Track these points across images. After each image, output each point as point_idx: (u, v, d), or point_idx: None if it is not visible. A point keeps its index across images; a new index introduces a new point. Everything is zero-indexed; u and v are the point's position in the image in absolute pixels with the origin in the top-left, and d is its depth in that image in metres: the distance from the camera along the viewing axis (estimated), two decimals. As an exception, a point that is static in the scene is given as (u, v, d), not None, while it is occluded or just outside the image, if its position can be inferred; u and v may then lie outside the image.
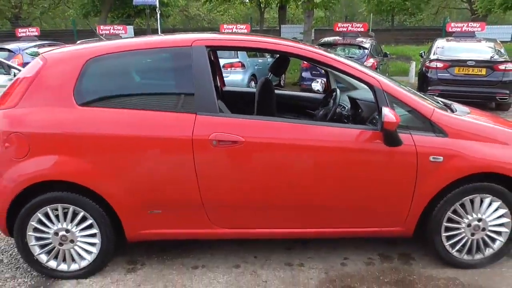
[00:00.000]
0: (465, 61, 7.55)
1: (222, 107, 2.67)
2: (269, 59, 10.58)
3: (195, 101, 2.48)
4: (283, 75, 11.28)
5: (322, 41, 10.27)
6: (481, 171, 2.44)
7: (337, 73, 2.83)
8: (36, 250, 2.61)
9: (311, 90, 4.10)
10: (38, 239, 2.59)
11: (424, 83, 8.02)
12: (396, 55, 17.36)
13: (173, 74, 2.66)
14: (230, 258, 2.85)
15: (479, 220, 2.56)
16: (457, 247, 2.62)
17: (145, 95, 2.67)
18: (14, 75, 7.03)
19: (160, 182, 2.51)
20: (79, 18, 24.29)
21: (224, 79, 4.00)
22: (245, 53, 8.77)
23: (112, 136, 2.46)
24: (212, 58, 3.37)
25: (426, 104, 2.54)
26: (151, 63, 2.72)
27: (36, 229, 2.56)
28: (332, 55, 2.66)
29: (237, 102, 3.46)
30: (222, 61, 6.10)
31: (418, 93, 2.87)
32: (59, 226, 2.57)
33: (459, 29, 10.42)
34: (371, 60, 8.65)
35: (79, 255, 2.64)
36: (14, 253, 3.01)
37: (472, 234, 2.59)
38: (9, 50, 10.26)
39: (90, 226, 2.58)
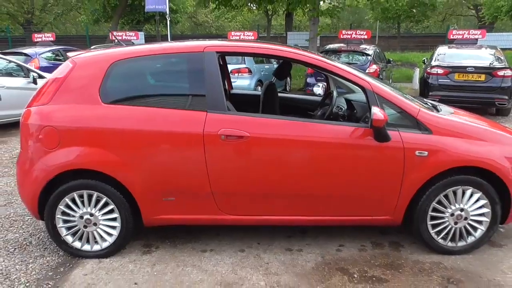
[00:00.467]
0: (465, 67, 7.80)
1: (229, 107, 2.98)
2: (275, 65, 10.91)
3: (206, 100, 2.79)
4: (289, 81, 11.60)
5: (326, 48, 10.58)
6: (461, 165, 2.72)
7: (333, 76, 3.13)
8: (63, 232, 2.92)
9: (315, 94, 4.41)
10: (65, 221, 2.90)
11: (425, 89, 8.27)
12: (401, 61, 17.62)
13: (187, 76, 2.97)
14: (235, 244, 3.14)
15: (462, 210, 2.83)
16: (442, 235, 2.89)
17: (162, 94, 3.00)
18: (33, 78, 7.45)
19: (174, 172, 2.81)
20: (90, 24, 24.85)
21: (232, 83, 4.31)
22: (252, 59, 9.11)
23: (132, 131, 2.77)
24: (221, 63, 3.69)
25: (413, 104, 2.83)
26: (168, 67, 3.05)
27: (63, 213, 2.88)
28: (329, 61, 2.97)
29: (243, 103, 3.76)
30: (229, 67, 6.40)
31: (406, 95, 3.15)
32: (84, 210, 2.88)
33: (460, 36, 10.67)
34: (374, 66, 8.92)
35: (101, 236, 2.95)
36: (41, 236, 3.32)
37: (455, 223, 2.86)
38: (26, 54, 10.72)
39: (111, 211, 2.89)
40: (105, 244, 2.95)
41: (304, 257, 2.94)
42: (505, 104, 7.62)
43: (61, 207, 2.86)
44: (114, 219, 2.91)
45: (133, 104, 2.84)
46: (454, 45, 9.52)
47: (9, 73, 7.50)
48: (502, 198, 2.81)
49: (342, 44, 10.72)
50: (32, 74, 7.54)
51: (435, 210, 2.84)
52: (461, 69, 7.82)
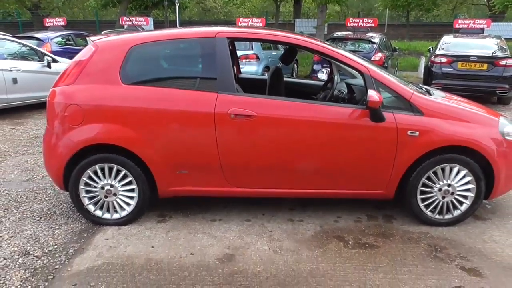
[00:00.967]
0: (468, 56, 7.95)
1: (238, 89, 3.23)
2: (282, 52, 11.09)
3: (217, 82, 3.05)
4: (296, 68, 11.79)
5: (334, 35, 10.73)
6: (449, 144, 2.97)
7: (334, 61, 3.36)
8: (85, 201, 3.22)
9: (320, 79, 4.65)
10: (87, 192, 3.20)
11: (429, 77, 8.44)
12: (408, 50, 17.65)
13: (199, 60, 3.24)
14: (242, 214, 3.43)
15: (449, 185, 3.09)
16: (430, 208, 3.16)
17: (177, 76, 3.26)
18: (48, 62, 7.71)
19: (188, 148, 3.09)
20: (98, 8, 24.95)
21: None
22: (259, 46, 9.30)
23: (150, 109, 3.04)
24: (231, 48, 3.93)
25: (407, 88, 3.07)
26: (182, 51, 3.31)
27: (86, 184, 3.18)
28: (331, 47, 3.21)
29: (250, 87, 4.01)
30: (238, 53, 6.66)
31: (401, 79, 3.39)
32: (105, 181, 3.17)
33: (465, 26, 10.74)
34: (379, 54, 9.08)
35: (120, 206, 3.25)
36: (64, 207, 3.64)
37: (443, 197, 3.12)
38: (38, 39, 10.97)
39: (129, 183, 3.18)
40: (123, 213, 3.26)
41: (304, 227, 3.23)
42: (506, 92, 7.79)
43: (84, 178, 3.16)
44: (132, 190, 3.20)
45: (150, 85, 3.12)
46: (460, 35, 9.63)
47: (24, 57, 7.73)
48: (487, 175, 3.06)
49: (348, 32, 10.86)
50: (46, 58, 7.78)
51: (424, 185, 3.10)
52: (464, 58, 7.97)
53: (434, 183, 3.10)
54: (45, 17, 25.16)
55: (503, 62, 7.74)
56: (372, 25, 11.51)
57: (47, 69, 7.67)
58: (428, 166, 3.04)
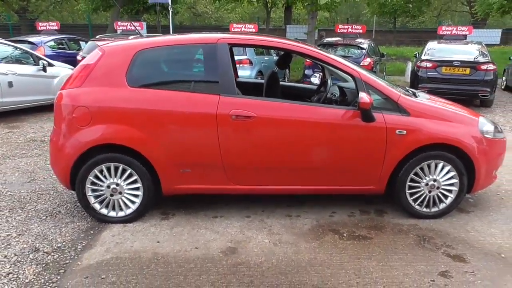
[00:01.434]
0: (452, 61, 8.30)
1: (238, 91, 3.42)
2: (274, 57, 11.34)
3: (219, 85, 3.24)
4: (288, 73, 12.04)
5: (324, 41, 11.02)
6: (434, 142, 3.21)
7: (328, 66, 3.58)
8: (92, 200, 3.36)
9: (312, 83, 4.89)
10: (93, 190, 3.34)
11: (415, 81, 8.77)
12: (396, 55, 18.11)
13: (202, 64, 3.42)
14: (242, 211, 3.62)
15: (435, 180, 3.33)
16: (418, 202, 3.40)
17: (180, 79, 3.44)
18: (43, 66, 7.80)
19: (191, 147, 3.27)
20: (89, 12, 24.92)
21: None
22: (253, 51, 9.53)
23: (155, 111, 3.21)
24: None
25: (395, 91, 3.31)
26: (185, 55, 3.49)
27: (93, 183, 3.32)
28: (324, 53, 3.43)
29: (247, 90, 4.21)
30: (232, 57, 6.86)
31: (389, 83, 3.63)
32: (111, 180, 3.32)
33: (449, 32, 11.16)
34: (368, 60, 9.38)
35: (125, 204, 3.40)
36: (68, 207, 3.77)
37: (430, 192, 3.36)
38: (31, 43, 11.03)
39: (135, 181, 3.33)
40: (129, 211, 3.40)
41: (302, 221, 3.43)
42: (487, 96, 8.14)
43: (91, 177, 3.30)
44: (137, 189, 3.36)
45: (155, 87, 3.29)
46: (443, 41, 10.00)
47: (19, 61, 7.78)
48: (468, 170, 3.31)
49: (338, 38, 11.16)
50: (42, 61, 7.86)
51: (412, 180, 3.33)
52: (448, 63, 8.32)
53: (421, 178, 3.33)
54: (34, 21, 25.01)
55: (484, 67, 8.10)
56: (361, 31, 11.86)
57: (42, 73, 7.77)
58: (415, 163, 3.27)
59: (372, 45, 10.74)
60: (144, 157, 3.26)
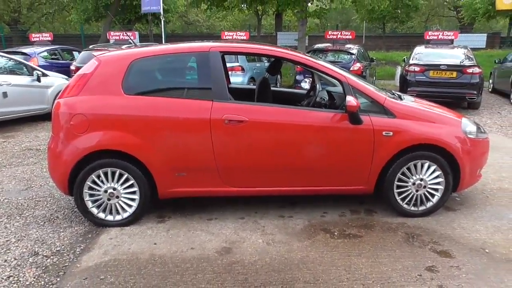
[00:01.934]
0: (439, 65, 8.51)
1: (230, 97, 3.53)
2: (266, 64, 11.50)
3: (212, 91, 3.36)
4: (279, 79, 12.22)
5: (314, 47, 11.21)
6: (420, 143, 3.35)
7: (316, 72, 3.71)
8: (89, 204, 3.44)
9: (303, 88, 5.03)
10: (91, 195, 3.42)
11: (404, 85, 8.97)
12: (386, 60, 18.41)
13: (195, 72, 3.54)
14: (236, 213, 3.72)
15: (421, 180, 3.46)
16: (406, 201, 3.52)
17: (174, 87, 3.56)
18: (38, 76, 7.87)
19: (186, 152, 3.37)
20: (81, 23, 24.99)
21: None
22: (244, 58, 9.67)
23: (150, 117, 3.32)
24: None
25: (381, 94, 3.46)
26: (179, 63, 3.61)
27: (90, 188, 3.40)
28: (312, 59, 3.57)
29: (239, 95, 4.34)
30: (224, 64, 6.98)
31: (375, 86, 3.77)
32: (108, 185, 3.40)
33: (435, 37, 11.44)
34: (358, 65, 9.57)
35: (122, 208, 3.48)
36: (66, 212, 3.85)
37: (417, 190, 3.49)
38: (24, 54, 11.10)
39: (131, 186, 3.42)
40: (125, 214, 3.48)
41: (294, 222, 3.54)
42: (474, 98, 8.35)
43: (88, 183, 3.38)
44: (133, 193, 3.44)
45: (151, 95, 3.40)
46: (430, 45, 10.25)
47: (13, 71, 7.86)
48: (454, 170, 3.45)
49: (328, 44, 11.37)
50: (36, 72, 7.95)
51: (400, 180, 3.46)
52: (435, 67, 8.53)
53: (408, 178, 3.46)
54: (25, 32, 24.97)
55: (470, 70, 8.32)
56: (350, 37, 12.08)
57: (37, 83, 7.84)
58: (402, 163, 3.40)
59: (362, 50, 10.95)
60: (140, 162, 3.36)
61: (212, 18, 32.19)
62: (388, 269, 2.79)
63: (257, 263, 2.91)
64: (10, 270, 2.86)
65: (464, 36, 15.97)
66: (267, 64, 11.67)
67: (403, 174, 3.45)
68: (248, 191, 3.54)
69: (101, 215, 3.48)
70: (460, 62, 8.63)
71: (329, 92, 4.01)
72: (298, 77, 10.09)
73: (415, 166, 3.43)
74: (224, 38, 12.83)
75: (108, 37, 12.93)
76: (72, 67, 10.13)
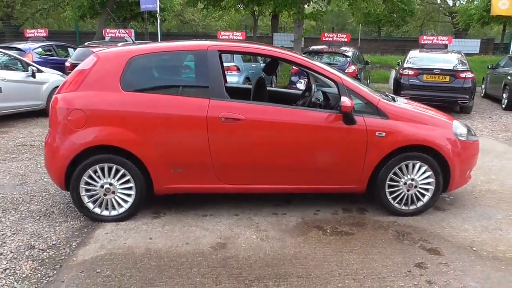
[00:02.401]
0: (432, 69, 8.65)
1: (227, 96, 3.59)
2: (261, 64, 11.57)
3: (209, 89, 3.41)
4: (275, 79, 12.30)
5: (310, 49, 11.31)
6: (411, 143, 3.43)
7: (312, 73, 3.79)
8: (85, 199, 3.47)
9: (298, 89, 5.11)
10: (87, 190, 3.45)
11: (398, 88, 9.10)
12: (380, 64, 18.57)
13: (193, 70, 3.59)
14: (231, 210, 3.77)
15: (412, 179, 3.54)
16: (397, 200, 3.60)
17: (172, 84, 3.60)
18: (32, 72, 7.85)
19: (182, 148, 3.42)
20: (75, 19, 24.83)
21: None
22: (240, 58, 9.74)
23: (148, 114, 3.36)
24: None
25: (374, 96, 3.54)
26: (177, 61, 3.66)
27: (86, 183, 3.43)
28: (309, 60, 3.64)
29: (235, 95, 4.40)
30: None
31: (369, 88, 3.85)
32: (104, 180, 3.44)
33: (430, 42, 11.61)
34: (353, 67, 9.67)
35: (118, 203, 3.51)
36: (61, 207, 3.87)
37: (408, 190, 3.57)
38: (19, 49, 11.05)
39: (127, 181, 3.45)
40: (121, 210, 3.52)
41: (287, 219, 3.60)
42: (466, 102, 8.49)
43: (85, 178, 3.41)
44: (130, 188, 3.48)
45: (148, 92, 3.44)
46: (425, 50, 10.39)
47: (8, 67, 7.82)
48: (444, 170, 3.53)
49: (324, 46, 11.47)
50: (31, 68, 7.92)
51: (391, 180, 3.54)
52: (429, 71, 8.67)
53: (399, 177, 3.54)
54: (18, 27, 24.73)
55: (463, 75, 8.47)
56: (345, 40, 12.20)
57: (31, 79, 7.82)
58: (394, 163, 3.48)
59: (357, 53, 11.06)
60: (136, 158, 3.40)
61: (208, 18, 32.17)
62: (379, 265, 2.86)
63: (251, 258, 2.96)
64: (7, 263, 2.88)
65: (458, 41, 16.24)
66: (263, 65, 11.76)
67: (395, 174, 3.53)
68: (242, 188, 3.60)
69: (97, 210, 3.51)
70: (454, 66, 8.78)
71: (324, 93, 4.08)
72: (293, 78, 10.17)
73: (407, 166, 3.51)
74: (221, 37, 12.89)
75: (104, 35, 12.92)
76: (67, 64, 10.12)
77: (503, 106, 9.91)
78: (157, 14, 13.23)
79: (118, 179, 3.45)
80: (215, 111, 3.35)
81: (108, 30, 12.75)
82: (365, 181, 3.54)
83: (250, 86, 4.46)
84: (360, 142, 3.42)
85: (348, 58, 10.09)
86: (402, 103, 3.81)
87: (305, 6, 13.63)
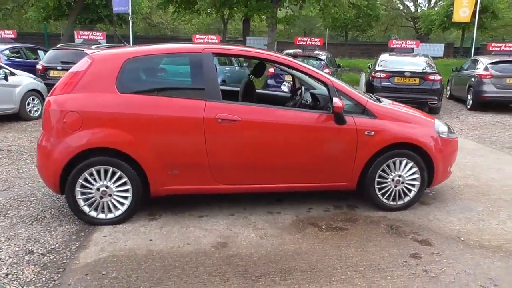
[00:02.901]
0: (403, 72, 9.07)
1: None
2: (236, 68, 11.68)
3: (205, 91, 3.48)
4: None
5: (284, 52, 11.53)
6: (398, 141, 3.65)
7: (303, 75, 3.94)
8: (81, 203, 3.44)
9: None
10: (83, 194, 3.42)
11: (371, 90, 9.44)
12: (349, 67, 19.14)
13: (189, 72, 3.64)
14: (226, 210, 3.84)
15: (400, 176, 3.76)
16: (386, 196, 3.81)
17: (168, 86, 3.65)
18: (5, 75, 7.57)
19: (179, 150, 3.46)
20: (39, 21, 23.89)
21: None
22: (216, 61, 9.78)
23: (144, 115, 3.38)
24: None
25: (363, 97, 3.74)
26: (173, 64, 3.71)
27: (82, 186, 3.40)
28: (304, 64, 3.79)
29: (224, 97, 4.47)
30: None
31: (357, 89, 4.06)
32: (101, 183, 3.42)
33: (399, 46, 12.16)
34: (327, 70, 9.94)
35: (114, 206, 3.50)
36: (53, 212, 3.81)
37: (396, 186, 3.78)
38: (-15, 52, 10.58)
39: (124, 183, 3.45)
40: (118, 212, 3.51)
41: (283, 217, 3.72)
42: (435, 103, 8.97)
43: (81, 180, 3.38)
44: (126, 190, 3.48)
45: (144, 93, 3.47)
46: (394, 53, 10.87)
47: (-23, 70, 7.54)
48: (428, 166, 3.77)
49: (298, 50, 11.73)
50: (3, 70, 7.64)
51: (380, 176, 3.75)
52: (400, 74, 9.09)
53: (388, 174, 3.75)
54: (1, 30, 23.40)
55: (431, 77, 8.95)
56: (319, 44, 12.53)
57: (4, 82, 7.55)
58: (383, 160, 3.69)
59: (329, 56, 11.40)
60: (133, 160, 3.40)
61: (177, 21, 31.91)
62: (376, 257, 3.03)
63: (254, 255, 3.05)
64: (7, 268, 2.83)
65: (424, 45, 17.04)
66: (237, 68, 11.88)
67: (383, 171, 3.73)
68: (237, 188, 3.68)
69: (93, 214, 3.48)
70: (423, 69, 9.25)
71: (312, 94, 4.24)
72: (269, 81, 10.35)
73: (394, 163, 3.72)
74: (196, 41, 12.88)
75: (76, 37, 12.58)
76: (39, 66, 9.80)
77: (468, 106, 10.53)
78: (129, 17, 13.02)
79: (115, 182, 3.45)
80: (211, 112, 3.42)
81: (80, 32, 12.43)
82: (355, 178, 3.72)
83: (237, 89, 4.55)
84: (351, 141, 3.59)
85: (322, 62, 10.39)
86: (387, 103, 4.04)
87: (278, 10, 13.89)
